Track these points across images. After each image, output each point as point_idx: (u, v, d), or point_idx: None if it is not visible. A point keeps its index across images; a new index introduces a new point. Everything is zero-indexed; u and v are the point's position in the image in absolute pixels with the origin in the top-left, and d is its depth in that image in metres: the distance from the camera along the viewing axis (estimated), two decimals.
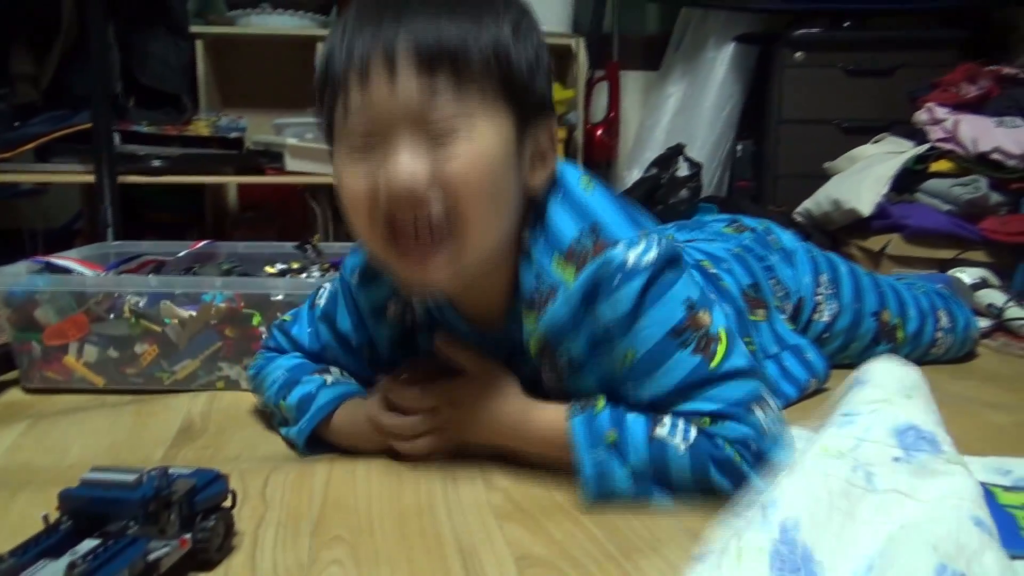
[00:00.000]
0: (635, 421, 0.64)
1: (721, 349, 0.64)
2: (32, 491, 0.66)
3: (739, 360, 0.64)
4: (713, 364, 0.63)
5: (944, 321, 1.09)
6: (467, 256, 0.62)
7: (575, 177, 0.68)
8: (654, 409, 0.64)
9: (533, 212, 0.67)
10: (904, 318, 1.05)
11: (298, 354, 0.81)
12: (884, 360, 0.64)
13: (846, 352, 1.04)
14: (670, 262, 0.64)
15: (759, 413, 0.63)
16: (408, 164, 0.58)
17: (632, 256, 0.62)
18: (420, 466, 0.70)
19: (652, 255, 0.63)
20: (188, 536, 0.51)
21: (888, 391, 0.60)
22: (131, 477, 0.50)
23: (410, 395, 0.70)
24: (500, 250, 0.66)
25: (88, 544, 0.48)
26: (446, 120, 0.58)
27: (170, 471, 0.53)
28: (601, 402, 0.66)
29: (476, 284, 0.67)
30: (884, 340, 1.05)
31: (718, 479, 0.62)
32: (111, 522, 0.50)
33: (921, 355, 1.07)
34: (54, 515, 0.51)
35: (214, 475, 0.55)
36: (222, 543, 0.55)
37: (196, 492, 0.53)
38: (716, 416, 0.62)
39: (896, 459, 0.53)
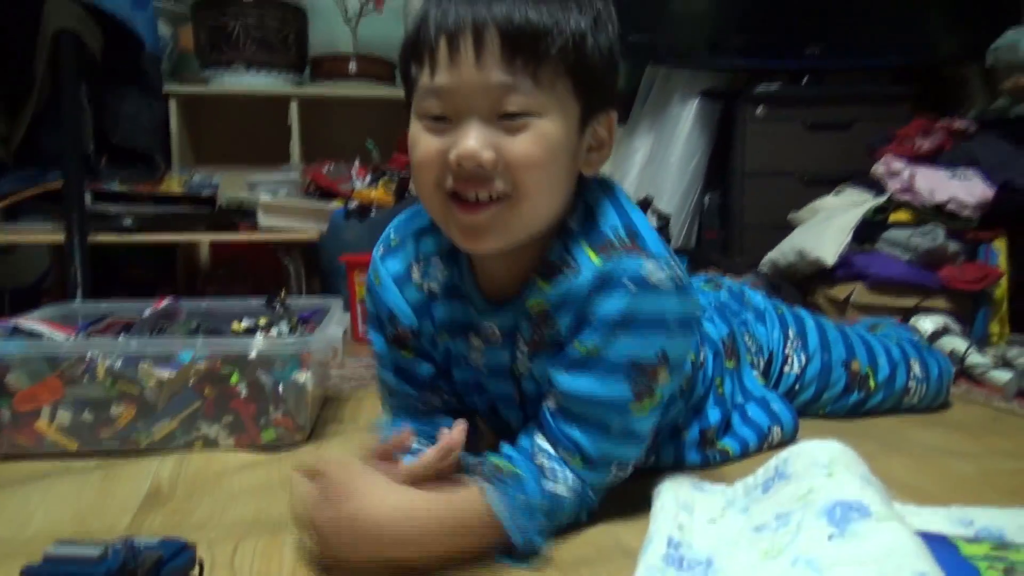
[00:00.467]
0: (528, 478, 0.66)
1: (648, 405, 0.68)
2: None
3: (647, 424, 0.70)
4: (634, 411, 0.68)
5: (916, 370, 1.11)
6: (519, 230, 0.67)
7: (622, 191, 0.74)
8: (559, 404, 0.69)
9: (581, 200, 0.71)
10: (875, 367, 1.08)
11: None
12: (798, 447, 0.70)
13: (819, 402, 1.07)
14: (688, 318, 0.69)
15: (614, 471, 0.70)
16: (479, 145, 0.62)
17: (652, 272, 0.66)
18: None
19: (667, 283, 0.66)
20: None
21: (810, 479, 0.64)
22: (95, 551, 0.50)
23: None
24: (545, 228, 0.69)
25: None
26: (520, 103, 0.62)
27: (135, 542, 0.52)
28: (497, 464, 0.66)
29: (511, 255, 0.70)
30: (856, 389, 1.07)
31: (583, 518, 0.70)
32: None
33: (895, 403, 1.10)
34: None
35: (181, 545, 0.55)
36: None
37: (162, 564, 0.52)
38: (588, 460, 0.68)
39: (831, 537, 0.55)
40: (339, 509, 0.60)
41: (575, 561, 0.64)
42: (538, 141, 0.63)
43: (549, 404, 0.70)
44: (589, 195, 0.72)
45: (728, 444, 0.89)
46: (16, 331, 1.01)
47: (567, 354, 0.68)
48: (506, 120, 0.63)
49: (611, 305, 0.66)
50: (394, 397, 0.83)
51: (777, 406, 0.95)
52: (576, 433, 0.68)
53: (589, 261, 0.68)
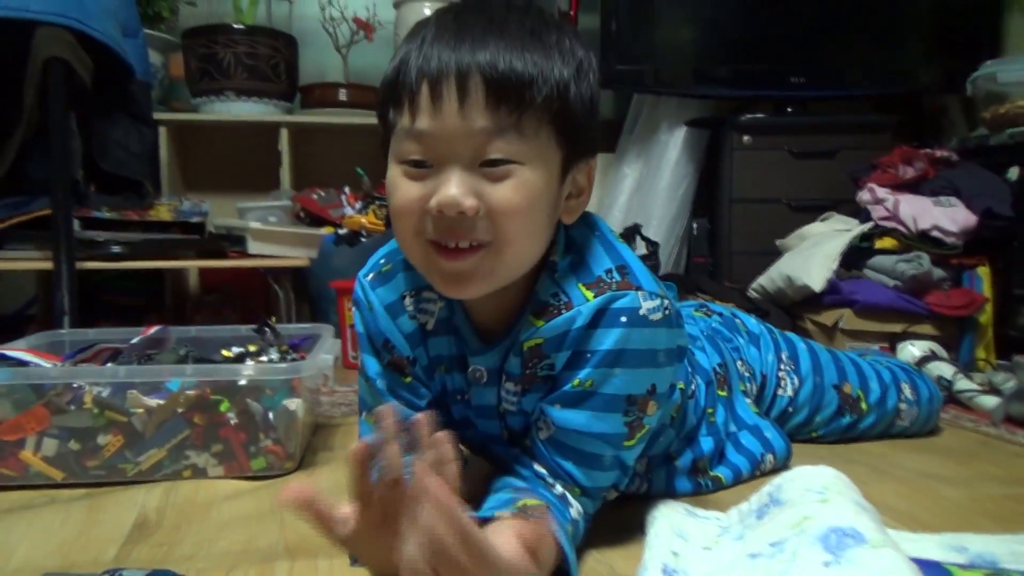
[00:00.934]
0: (561, 508, 0.67)
1: (639, 435, 0.70)
2: None
3: (636, 453, 0.72)
4: (626, 443, 0.70)
5: (907, 392, 1.12)
6: (502, 276, 0.67)
7: (607, 227, 0.75)
8: (552, 437, 0.69)
9: (567, 240, 0.72)
10: (865, 390, 1.09)
11: None
12: (791, 472, 0.70)
13: (811, 425, 1.07)
14: (676, 349, 0.70)
15: (603, 496, 0.73)
16: (461, 193, 0.61)
17: (645, 306, 0.67)
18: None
19: (659, 316, 0.67)
20: None
21: (804, 506, 0.65)
22: None
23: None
24: (527, 270, 0.69)
25: None
26: (503, 151, 0.62)
27: (123, 574, 0.51)
28: (539, 503, 0.65)
29: (496, 294, 0.70)
30: (848, 411, 1.08)
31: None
32: None
33: (887, 426, 1.11)
34: None
35: None
36: None
37: None
38: (585, 491, 0.70)
39: (826, 564, 0.56)
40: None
41: None
42: (519, 189, 0.62)
43: (541, 435, 0.70)
44: (575, 232, 0.72)
45: (721, 472, 0.89)
46: (1, 359, 1.00)
47: (562, 390, 0.69)
48: (487, 167, 0.62)
49: (607, 340, 0.66)
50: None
51: (770, 433, 0.95)
52: (570, 466, 0.69)
53: (583, 298, 0.68)
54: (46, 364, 1.00)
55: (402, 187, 0.64)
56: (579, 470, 0.69)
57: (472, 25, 0.62)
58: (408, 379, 0.77)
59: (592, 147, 0.70)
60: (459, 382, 0.78)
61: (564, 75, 0.63)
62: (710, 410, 0.91)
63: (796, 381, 1.05)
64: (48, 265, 1.54)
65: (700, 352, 0.95)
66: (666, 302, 0.69)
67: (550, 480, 0.69)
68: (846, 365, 1.09)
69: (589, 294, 0.68)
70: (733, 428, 0.94)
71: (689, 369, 0.88)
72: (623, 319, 0.66)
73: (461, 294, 0.68)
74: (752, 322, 1.10)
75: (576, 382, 0.67)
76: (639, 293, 0.67)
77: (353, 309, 0.81)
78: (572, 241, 0.72)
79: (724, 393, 0.94)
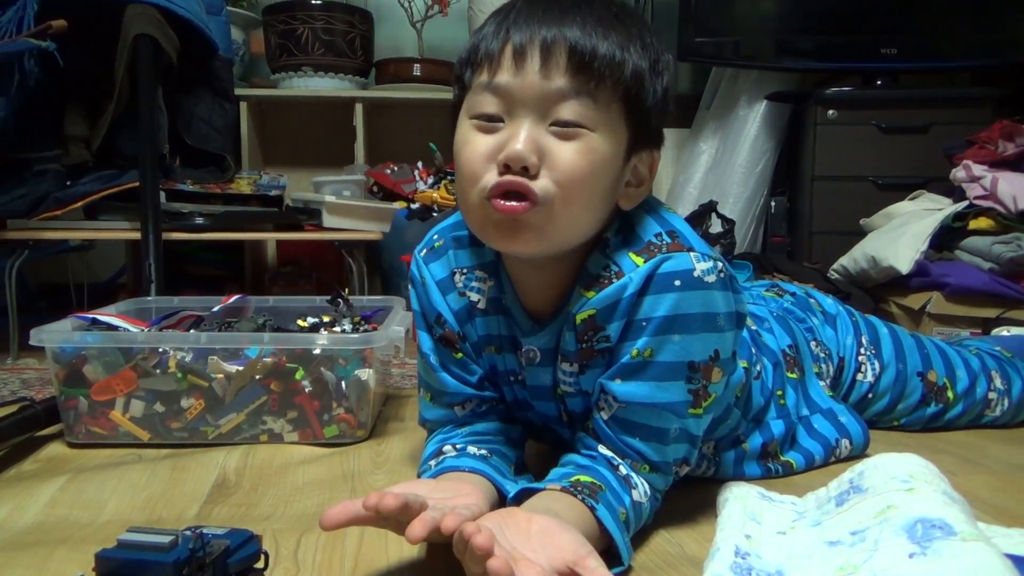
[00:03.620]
0: (619, 491, 0.66)
1: (705, 404, 0.69)
2: (68, 548, 0.66)
3: (703, 424, 0.70)
4: (692, 410, 0.68)
5: (998, 381, 1.06)
6: (554, 238, 0.66)
7: (660, 202, 0.74)
8: (614, 415, 0.68)
9: (619, 218, 0.71)
10: (952, 378, 1.04)
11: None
12: (874, 459, 0.67)
13: (893, 413, 1.03)
14: (735, 314, 0.69)
15: (676, 470, 0.71)
16: (528, 150, 0.62)
17: (699, 268, 0.66)
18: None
19: (714, 278, 0.66)
20: None
21: (888, 494, 0.62)
22: (166, 539, 0.51)
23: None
24: (580, 243, 0.69)
25: None
26: (575, 112, 0.63)
27: (204, 532, 0.53)
28: (593, 481, 0.65)
29: (547, 266, 0.70)
30: (934, 401, 1.03)
31: (649, 521, 0.70)
32: None
33: (975, 417, 1.05)
34: (90, 574, 0.52)
35: (247, 536, 0.55)
36: None
37: (229, 554, 0.53)
38: (655, 467, 0.69)
39: (912, 555, 0.53)
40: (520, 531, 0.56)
41: (640, 568, 0.63)
42: (586, 153, 0.64)
43: (603, 415, 0.69)
44: (627, 214, 0.71)
45: (792, 457, 0.86)
46: (94, 324, 1.05)
47: (620, 362, 0.67)
48: (558, 127, 0.63)
49: (661, 306, 0.65)
50: (444, 397, 0.79)
51: (845, 418, 0.91)
52: (637, 443, 0.68)
53: (633, 264, 0.67)
54: (134, 329, 1.05)
55: (472, 140, 0.66)
56: (647, 445, 0.68)
57: (560, 2, 0.65)
58: (459, 355, 0.77)
59: (658, 140, 0.70)
60: (511, 363, 0.77)
61: (642, 62, 0.65)
62: (779, 391, 0.88)
63: (877, 367, 1.01)
64: (136, 235, 1.60)
65: (767, 333, 0.92)
66: (720, 264, 0.67)
67: (616, 461, 0.68)
68: (931, 352, 1.04)
69: (639, 260, 0.67)
70: (805, 411, 0.90)
71: (753, 349, 0.85)
72: (676, 282, 0.65)
73: (512, 246, 0.67)
74: (828, 302, 1.05)
75: (635, 352, 0.66)
76: (691, 254, 0.66)
77: (408, 287, 0.81)
78: (626, 220, 0.71)
79: (795, 375, 0.91)
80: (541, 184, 0.63)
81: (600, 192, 0.66)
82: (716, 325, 0.66)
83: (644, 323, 0.66)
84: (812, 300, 1.04)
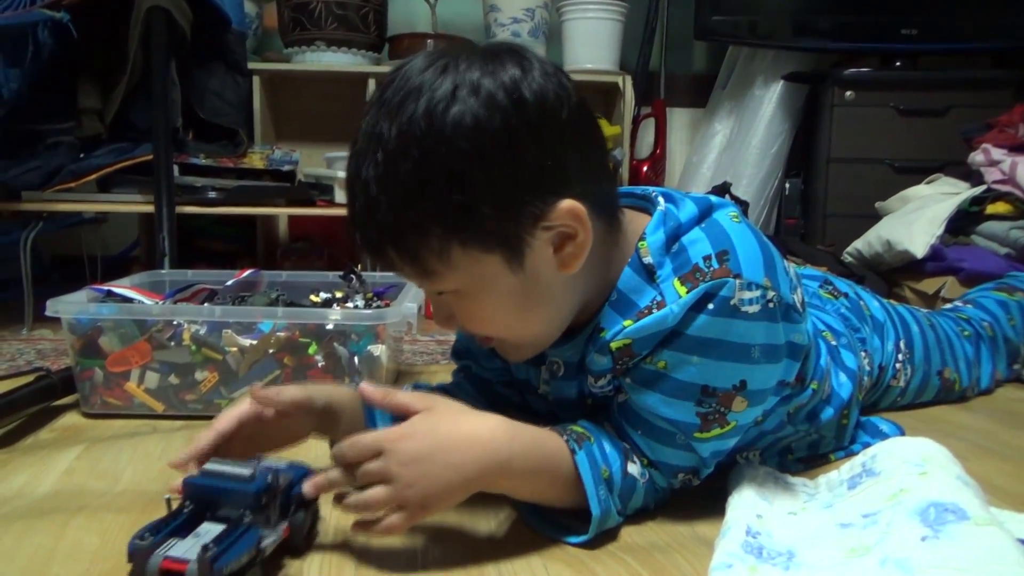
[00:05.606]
0: (612, 454, 0.65)
1: (716, 432, 0.65)
2: (86, 516, 0.67)
3: (714, 447, 0.66)
4: (697, 434, 0.65)
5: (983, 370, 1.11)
6: (538, 345, 0.69)
7: (725, 210, 0.67)
8: (625, 413, 0.67)
9: (669, 227, 0.65)
10: (958, 371, 1.06)
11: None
12: (888, 443, 0.68)
13: (907, 404, 1.04)
14: (783, 346, 0.65)
15: (681, 476, 0.68)
16: (438, 320, 0.66)
17: (739, 296, 0.61)
18: (464, 506, 0.69)
19: (756, 308, 0.62)
20: (287, 525, 0.57)
21: (901, 478, 0.62)
22: (246, 471, 0.56)
23: (348, 447, 0.58)
24: (595, 290, 0.67)
25: (207, 527, 0.54)
26: (436, 288, 0.63)
27: (273, 465, 0.58)
28: (585, 431, 0.66)
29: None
30: (944, 394, 1.05)
31: (651, 508, 0.69)
32: (224, 508, 0.55)
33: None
34: (175, 498, 0.57)
35: (306, 471, 0.60)
36: (308, 532, 0.61)
37: (292, 486, 0.58)
38: (652, 464, 0.67)
39: (924, 538, 0.53)
40: (437, 425, 0.59)
41: (649, 547, 0.63)
42: (474, 310, 0.63)
43: (619, 398, 0.68)
44: (681, 212, 0.66)
45: (836, 456, 0.84)
46: (109, 296, 1.06)
47: (640, 367, 0.65)
48: (446, 294, 0.63)
49: (691, 325, 0.62)
50: (467, 359, 0.83)
51: (886, 427, 0.89)
52: (637, 437, 0.67)
53: (676, 295, 0.62)
54: (148, 302, 1.05)
55: None
56: (645, 443, 0.66)
57: (361, 167, 0.58)
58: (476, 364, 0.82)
59: (529, 213, 0.59)
60: (534, 376, 0.76)
61: (443, 206, 0.57)
62: (845, 411, 0.83)
63: (909, 371, 1.00)
64: (150, 208, 1.61)
65: (847, 351, 0.87)
66: (771, 293, 0.62)
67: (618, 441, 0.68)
68: (945, 347, 1.05)
69: (683, 289, 0.62)
70: (857, 429, 0.87)
71: (826, 369, 0.79)
72: (710, 306, 0.61)
73: (515, 361, 0.72)
74: (875, 306, 1.00)
75: (652, 362, 0.64)
76: (737, 281, 0.61)
77: None
78: (677, 228, 0.65)
79: (860, 396, 0.88)
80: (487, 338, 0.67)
81: (530, 305, 0.63)
82: (748, 356, 0.63)
83: (672, 339, 0.63)
84: (862, 303, 0.99)
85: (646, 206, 0.70)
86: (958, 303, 1.24)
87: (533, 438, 0.62)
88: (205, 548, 0.50)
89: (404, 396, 0.61)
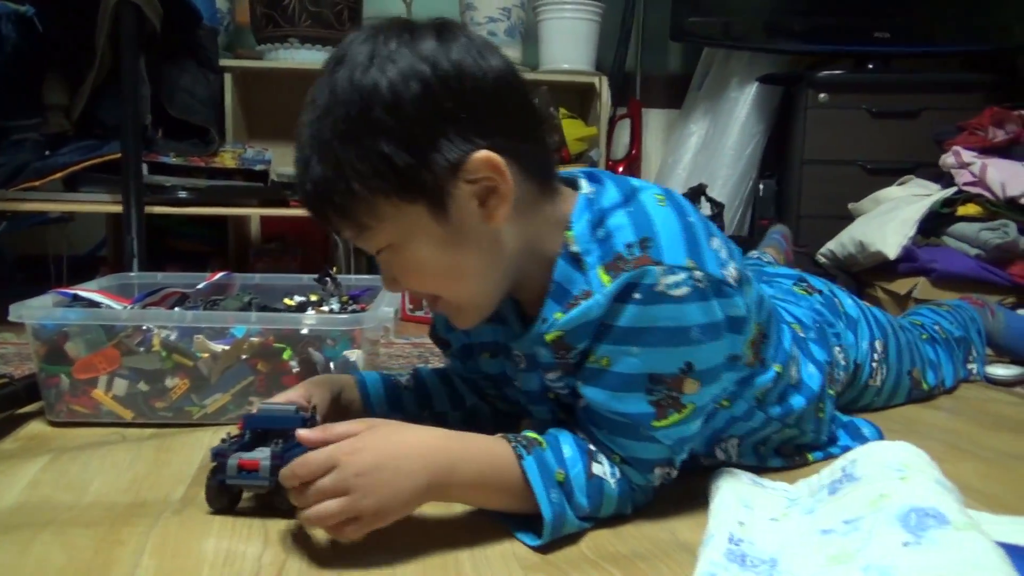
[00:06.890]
0: (573, 457, 0.65)
1: (675, 418, 0.65)
2: (53, 532, 0.65)
3: (679, 433, 0.66)
4: (656, 423, 0.65)
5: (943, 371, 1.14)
6: (481, 307, 0.70)
7: (650, 193, 0.68)
8: (587, 413, 0.67)
9: (595, 212, 0.66)
10: (924, 371, 1.09)
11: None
12: (867, 447, 0.68)
13: (881, 405, 1.05)
14: (722, 321, 0.65)
15: (658, 471, 0.68)
16: (384, 281, 0.70)
17: (663, 282, 0.62)
18: (445, 517, 0.68)
19: (684, 291, 0.62)
20: None
21: (881, 483, 0.62)
22: (291, 409, 0.69)
23: (301, 464, 0.60)
24: (528, 257, 0.68)
25: (262, 450, 0.67)
26: (373, 244, 0.66)
27: (303, 406, 0.72)
28: (536, 437, 0.66)
29: (520, 282, 0.70)
30: (914, 393, 1.07)
31: (627, 511, 0.69)
32: (274, 438, 0.68)
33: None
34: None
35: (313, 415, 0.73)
36: None
37: (315, 421, 0.71)
38: (625, 460, 0.67)
39: (906, 544, 0.53)
40: (385, 438, 0.61)
41: (632, 555, 0.63)
42: (409, 264, 0.66)
43: (581, 401, 0.68)
44: (607, 200, 0.67)
45: (815, 456, 0.84)
46: (76, 300, 1.03)
47: (585, 366, 0.66)
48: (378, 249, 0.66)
49: (621, 317, 0.63)
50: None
51: (867, 430, 0.89)
52: (603, 436, 0.67)
53: (601, 284, 0.64)
54: (117, 306, 1.03)
55: None
56: (610, 439, 0.66)
57: (300, 133, 0.65)
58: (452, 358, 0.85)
59: (448, 167, 0.61)
60: (510, 369, 0.77)
61: (366, 156, 0.61)
62: (820, 404, 0.83)
63: (885, 370, 1.01)
64: (118, 208, 1.57)
65: (814, 344, 0.88)
66: (697, 274, 0.63)
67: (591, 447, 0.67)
68: (914, 348, 1.07)
69: (607, 278, 0.63)
70: (834, 425, 0.88)
71: (791, 354, 0.79)
72: (636, 295, 0.62)
73: (463, 327, 0.73)
74: (849, 303, 1.01)
75: (592, 358, 0.65)
76: (658, 268, 0.62)
77: None
78: (601, 213, 0.66)
79: (832, 391, 0.88)
80: (427, 296, 0.69)
81: (460, 259, 0.65)
82: (687, 338, 0.63)
83: (605, 333, 0.64)
84: (836, 300, 1.00)
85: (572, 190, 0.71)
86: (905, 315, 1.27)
87: (479, 446, 0.65)
88: (272, 450, 0.65)
89: (341, 426, 0.62)
